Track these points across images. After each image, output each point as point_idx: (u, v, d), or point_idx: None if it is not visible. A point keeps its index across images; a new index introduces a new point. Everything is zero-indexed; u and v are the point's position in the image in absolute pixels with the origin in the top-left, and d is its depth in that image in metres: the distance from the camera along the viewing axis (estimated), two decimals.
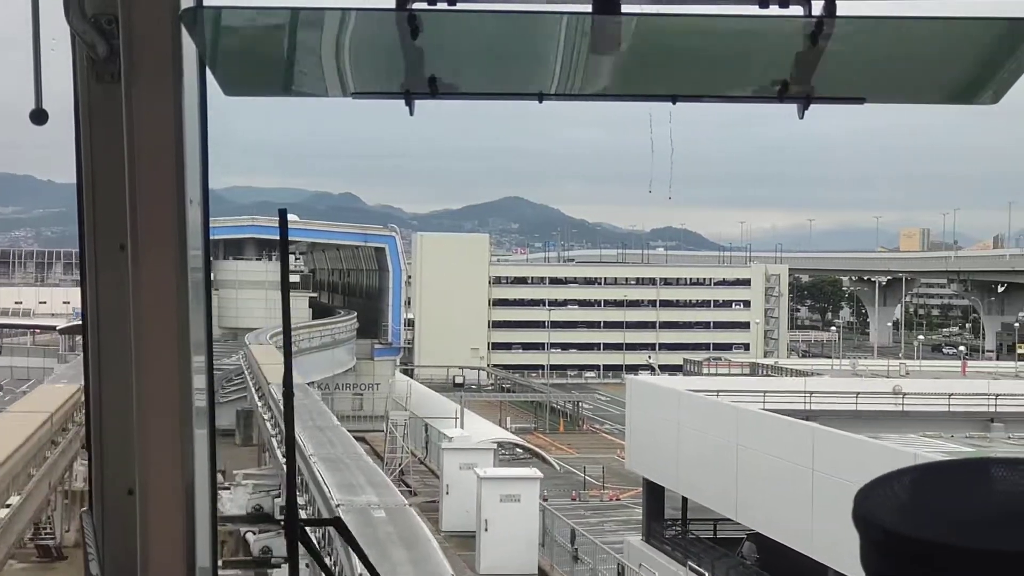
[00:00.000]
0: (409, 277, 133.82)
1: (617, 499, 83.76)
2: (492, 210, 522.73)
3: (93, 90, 3.30)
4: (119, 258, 3.25)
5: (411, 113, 2.98)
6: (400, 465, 50.79)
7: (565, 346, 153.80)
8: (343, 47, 2.87)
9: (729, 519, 36.70)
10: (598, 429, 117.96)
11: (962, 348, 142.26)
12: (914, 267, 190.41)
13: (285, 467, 4.05)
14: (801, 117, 2.99)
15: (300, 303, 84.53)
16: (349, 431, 38.59)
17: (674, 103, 3.09)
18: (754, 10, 2.82)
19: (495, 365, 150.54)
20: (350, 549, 3.56)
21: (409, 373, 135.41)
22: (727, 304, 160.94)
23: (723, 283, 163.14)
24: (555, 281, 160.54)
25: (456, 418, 59.04)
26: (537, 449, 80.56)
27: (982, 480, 1.50)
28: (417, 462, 56.31)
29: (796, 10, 2.79)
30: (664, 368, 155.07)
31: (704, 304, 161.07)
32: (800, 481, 30.27)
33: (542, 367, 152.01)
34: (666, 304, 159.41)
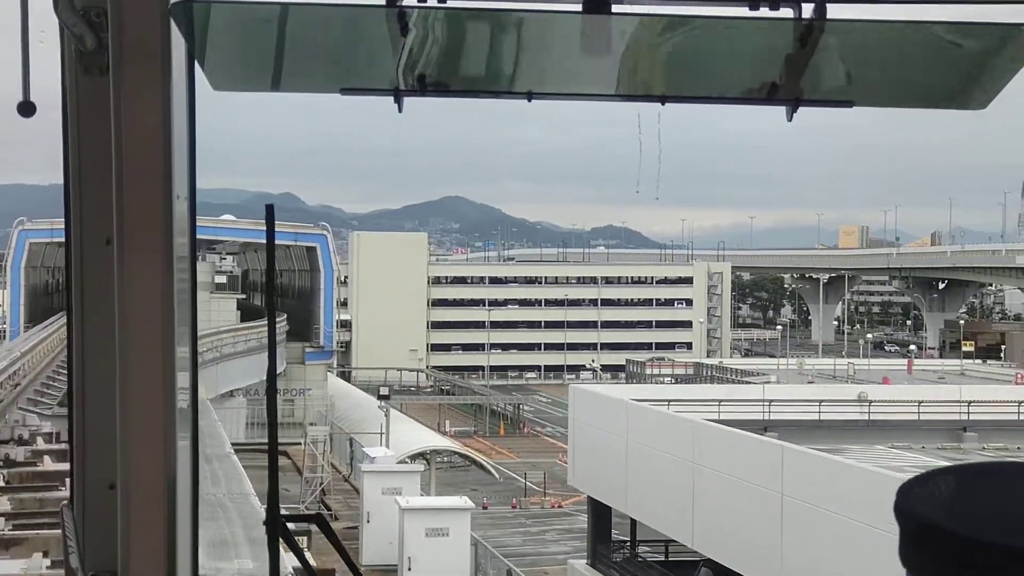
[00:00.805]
0: (345, 278, 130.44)
1: (559, 506, 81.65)
2: (433, 210, 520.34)
3: (81, 83, 3.24)
4: (105, 252, 3.17)
5: (400, 110, 2.99)
6: (321, 484, 46.44)
7: (506, 346, 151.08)
8: (332, 43, 2.92)
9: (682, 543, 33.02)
10: (539, 432, 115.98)
11: (913, 348, 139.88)
12: (855, 264, 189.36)
13: (268, 463, 3.32)
14: (789, 119, 2.97)
15: (227, 305, 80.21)
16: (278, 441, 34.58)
17: (663, 104, 3.07)
18: (744, 12, 2.80)
19: (434, 366, 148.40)
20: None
21: (346, 376, 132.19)
22: (669, 303, 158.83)
23: (665, 281, 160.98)
24: (495, 281, 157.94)
25: (381, 433, 54.34)
26: (476, 455, 76.92)
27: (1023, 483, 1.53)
28: (342, 479, 52.01)
29: (786, 12, 2.77)
30: (606, 368, 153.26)
31: (646, 303, 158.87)
32: (766, 504, 26.65)
33: (482, 368, 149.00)
34: (607, 303, 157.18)
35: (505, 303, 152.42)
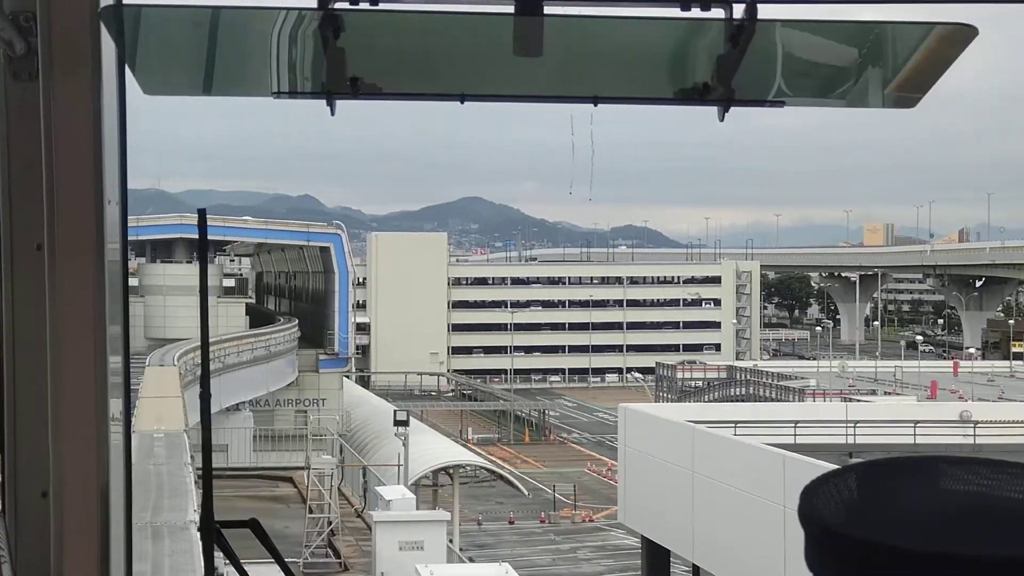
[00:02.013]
0: (363, 279, 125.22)
1: (591, 520, 77.37)
2: (451, 211, 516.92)
3: (10, 88, 3.17)
4: (36, 258, 3.15)
5: (332, 113, 2.96)
6: (330, 524, 40.37)
7: (528, 349, 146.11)
8: (265, 47, 2.86)
9: None
10: (565, 439, 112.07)
11: (972, 350, 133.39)
12: (887, 262, 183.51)
13: (201, 468, 3.59)
14: (721, 120, 2.97)
15: (235, 310, 74.27)
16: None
17: (595, 105, 3.04)
18: (676, 12, 2.78)
19: (455, 370, 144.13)
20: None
21: (365, 380, 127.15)
22: (696, 303, 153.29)
23: (692, 281, 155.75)
24: (517, 281, 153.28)
25: (399, 465, 48.02)
26: (502, 468, 71.40)
27: (928, 479, 1.49)
28: (353, 514, 45.98)
29: (717, 13, 2.76)
30: (634, 371, 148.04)
31: (672, 303, 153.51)
32: None
33: (505, 372, 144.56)
34: (633, 304, 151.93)
35: (528, 304, 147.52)
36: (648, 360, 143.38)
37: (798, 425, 32.44)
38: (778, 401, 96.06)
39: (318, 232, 78.44)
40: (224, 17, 2.79)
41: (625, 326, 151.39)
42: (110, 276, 3.18)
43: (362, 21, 2.77)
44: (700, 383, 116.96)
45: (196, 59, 2.93)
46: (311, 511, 39.38)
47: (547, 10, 2.75)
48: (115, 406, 3.21)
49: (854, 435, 32.86)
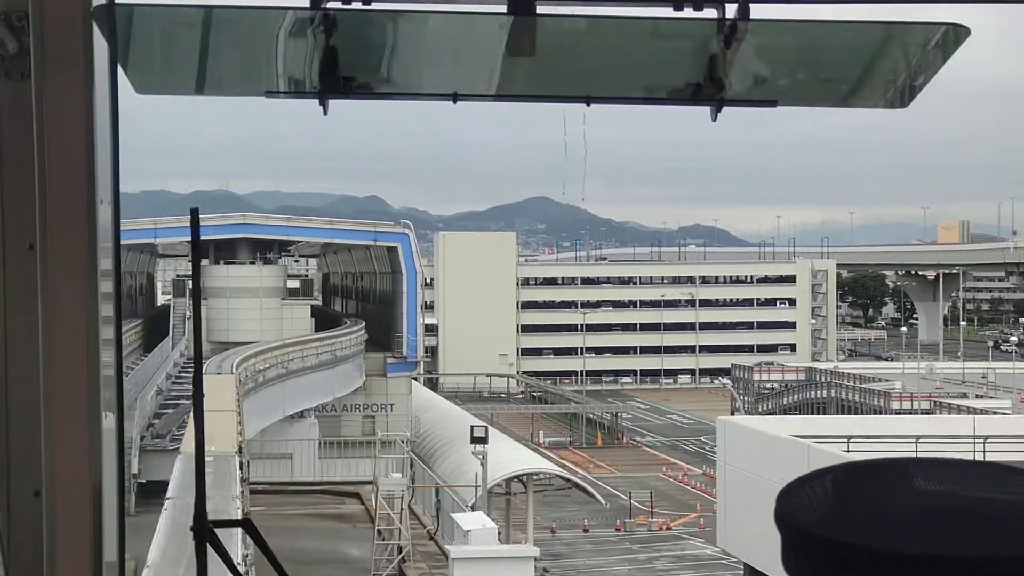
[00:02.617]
0: (431, 280, 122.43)
1: (668, 528, 74.26)
2: (518, 211, 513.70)
3: (2, 87, 3.14)
4: (28, 257, 3.13)
5: (325, 112, 2.94)
6: (402, 551, 36.79)
7: (599, 350, 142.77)
8: (257, 46, 2.87)
9: None
10: (639, 442, 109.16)
11: None
12: (964, 259, 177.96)
13: (195, 466, 3.32)
14: (714, 119, 2.98)
15: (300, 312, 71.34)
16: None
17: (588, 104, 3.05)
18: (668, 12, 2.80)
19: (525, 372, 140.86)
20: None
21: (433, 383, 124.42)
22: (770, 303, 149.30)
23: (765, 280, 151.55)
24: (587, 281, 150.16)
25: (476, 486, 44.20)
26: (577, 475, 68.27)
27: (902, 480, 1.50)
28: (425, 536, 42.54)
29: (710, 13, 2.77)
30: (706, 372, 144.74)
31: (746, 303, 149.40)
32: None
33: (575, 373, 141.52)
34: (705, 304, 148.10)
35: (598, 305, 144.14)
36: (721, 361, 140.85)
37: (920, 441, 28.91)
38: (862, 405, 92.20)
39: (385, 231, 75.27)
40: (216, 16, 2.76)
41: (697, 326, 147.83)
42: (102, 275, 3.15)
43: (355, 20, 2.76)
44: (777, 385, 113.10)
45: (188, 58, 2.90)
46: (380, 535, 36.09)
47: (540, 10, 2.73)
48: (108, 405, 3.18)
49: (983, 451, 29.31)
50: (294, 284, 78.55)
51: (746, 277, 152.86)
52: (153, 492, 34.81)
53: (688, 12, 2.79)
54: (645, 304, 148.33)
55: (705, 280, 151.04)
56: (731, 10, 2.75)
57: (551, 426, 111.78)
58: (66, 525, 3.15)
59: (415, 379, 78.51)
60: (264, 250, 74.28)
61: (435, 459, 71.97)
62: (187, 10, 2.79)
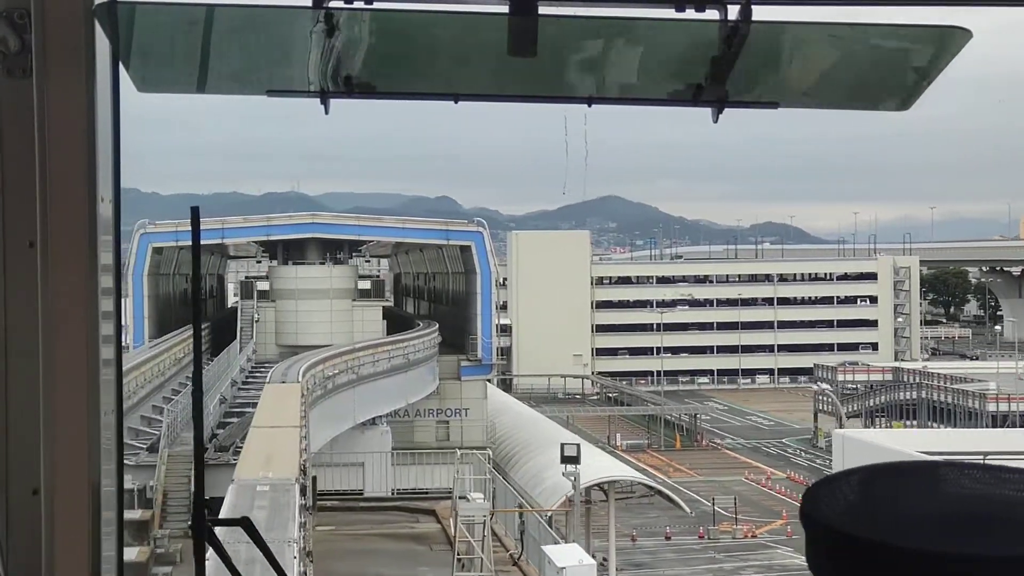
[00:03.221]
0: (503, 280, 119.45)
1: (753, 536, 70.88)
2: (589, 210, 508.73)
3: (3, 85, 3.12)
4: (28, 255, 3.12)
5: (326, 112, 2.96)
6: None
7: (675, 350, 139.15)
8: (259, 45, 2.88)
9: None
10: (718, 444, 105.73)
11: None
12: None
13: (194, 465, 3.62)
14: (715, 121, 2.98)
15: (372, 314, 68.35)
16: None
17: (589, 105, 3.06)
18: (670, 13, 2.79)
19: (600, 373, 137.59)
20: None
21: (507, 384, 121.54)
22: (851, 300, 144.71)
23: (846, 278, 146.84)
24: (663, 280, 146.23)
25: (566, 511, 40.61)
26: (660, 487, 65.05)
27: (930, 483, 1.52)
28: (508, 561, 39.17)
29: (712, 14, 2.75)
30: (785, 372, 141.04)
31: (825, 301, 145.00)
32: None
33: (651, 373, 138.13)
34: (784, 302, 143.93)
35: (673, 304, 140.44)
36: (800, 360, 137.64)
37: None
38: (955, 407, 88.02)
39: (458, 230, 72.06)
40: (218, 15, 2.75)
41: (776, 325, 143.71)
42: (102, 273, 3.14)
43: (356, 20, 2.75)
44: (862, 386, 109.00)
45: (190, 56, 2.89)
46: (461, 564, 32.81)
47: (541, 10, 2.72)
48: (107, 402, 3.17)
49: None
50: (365, 285, 75.61)
51: (825, 274, 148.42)
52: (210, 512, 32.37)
53: (690, 13, 2.75)
54: (721, 303, 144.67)
55: (783, 278, 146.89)
56: (733, 11, 2.71)
57: (628, 428, 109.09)
58: (65, 524, 3.13)
59: (490, 382, 75.30)
60: (334, 250, 71.49)
61: (513, 465, 69.06)
62: (189, 8, 2.75)
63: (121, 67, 3.09)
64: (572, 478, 40.61)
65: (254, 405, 41.08)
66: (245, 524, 3.23)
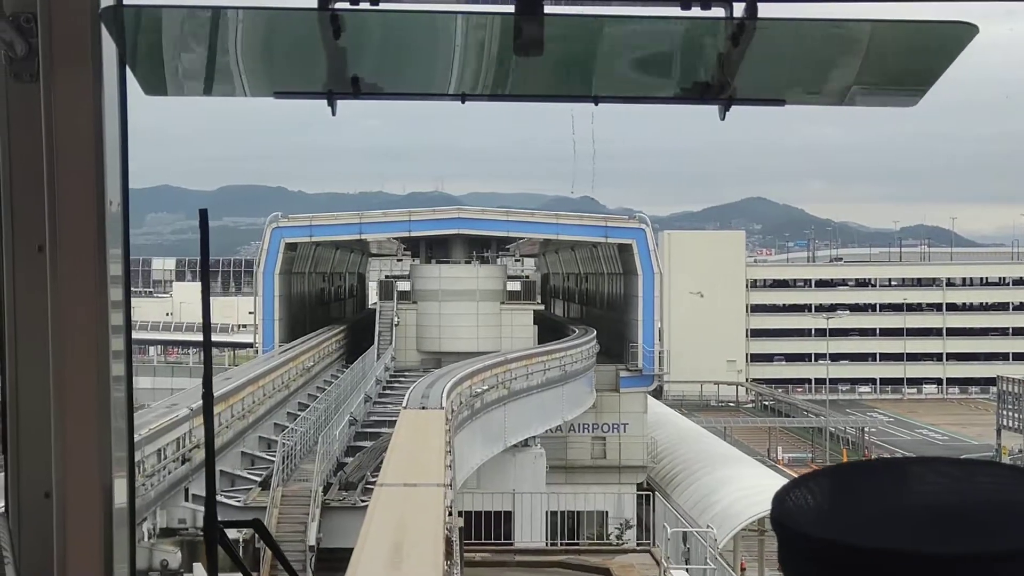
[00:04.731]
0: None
1: None
2: (734, 211, 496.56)
3: (11, 89, 3.12)
4: (37, 259, 3.12)
5: (333, 113, 2.92)
6: None
7: (834, 357, 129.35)
8: (265, 46, 2.89)
9: None
10: None
11: None
12: None
13: (205, 465, 3.30)
14: (723, 119, 2.96)
15: (522, 319, 60.75)
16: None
17: (596, 104, 3.04)
18: (676, 12, 2.78)
19: (754, 379, 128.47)
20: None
21: (657, 390, 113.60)
22: None
23: (1021, 283, 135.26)
24: (822, 284, 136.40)
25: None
26: None
27: (899, 480, 1.50)
28: None
29: (718, 12, 2.76)
30: (954, 382, 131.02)
31: (999, 307, 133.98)
32: None
33: (807, 381, 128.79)
34: (953, 308, 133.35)
35: (833, 308, 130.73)
36: (970, 370, 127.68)
37: None
38: None
39: (618, 226, 64.02)
40: (225, 17, 2.72)
41: (944, 332, 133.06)
42: (112, 277, 3.12)
43: (362, 21, 2.73)
44: None
45: (197, 59, 2.88)
46: None
47: (547, 9, 2.71)
48: (117, 405, 3.14)
49: None
50: (514, 286, 68.26)
51: (999, 279, 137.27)
52: (332, 562, 25.65)
53: (696, 11, 2.74)
54: (885, 308, 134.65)
55: (951, 282, 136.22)
56: (739, 9, 2.70)
57: (788, 440, 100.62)
58: (76, 527, 3.10)
59: (650, 394, 67.39)
60: (480, 248, 64.26)
61: (674, 486, 61.39)
62: (195, 11, 2.72)
63: (128, 70, 3.03)
64: None
65: (391, 424, 33.97)
66: (256, 525, 3.21)
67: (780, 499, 1.48)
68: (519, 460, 47.64)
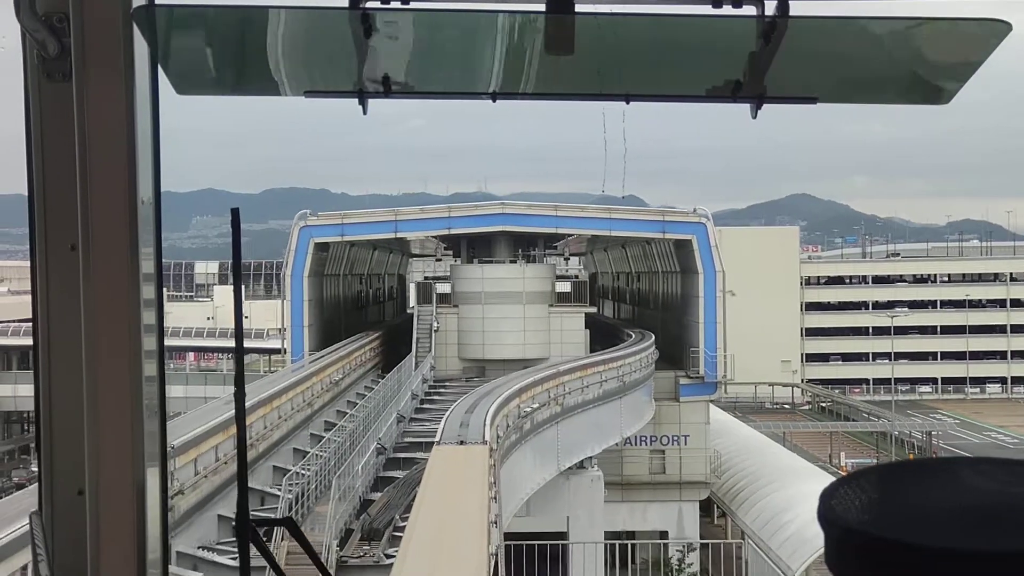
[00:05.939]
0: None
1: None
2: (778, 208, 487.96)
3: (44, 89, 3.11)
4: (70, 258, 3.11)
5: (364, 112, 2.91)
6: None
7: (895, 356, 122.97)
8: (296, 46, 2.86)
9: None
10: None
11: None
12: None
13: (236, 460, 3.46)
14: (754, 117, 2.91)
15: (572, 323, 54.79)
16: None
17: (627, 103, 3.04)
18: (708, 10, 2.77)
19: (810, 380, 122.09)
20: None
21: None
22: None
23: None
24: (879, 280, 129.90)
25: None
26: None
27: (949, 479, 1.49)
28: None
29: (749, 10, 2.75)
30: (1019, 380, 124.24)
31: None
32: None
33: (865, 381, 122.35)
34: (1017, 304, 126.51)
35: (891, 305, 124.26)
36: None
37: None
38: None
39: (676, 221, 57.97)
40: (256, 16, 2.72)
41: (1009, 329, 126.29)
42: (144, 276, 3.10)
43: (393, 20, 2.73)
44: None
45: (228, 58, 2.90)
46: None
47: (578, 8, 2.71)
48: (150, 403, 3.13)
49: None
50: (563, 287, 62.28)
51: None
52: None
53: (727, 9, 2.73)
54: (945, 304, 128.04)
55: (1015, 279, 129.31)
56: (770, 7, 2.69)
57: (849, 444, 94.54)
58: (109, 524, 3.09)
59: (713, 403, 61.35)
60: (526, 246, 58.39)
61: (739, 503, 55.42)
62: (226, 10, 2.74)
63: (160, 70, 3.02)
64: None
65: (427, 446, 28.31)
66: (288, 524, 3.19)
67: (827, 496, 1.46)
68: (573, 484, 41.74)
